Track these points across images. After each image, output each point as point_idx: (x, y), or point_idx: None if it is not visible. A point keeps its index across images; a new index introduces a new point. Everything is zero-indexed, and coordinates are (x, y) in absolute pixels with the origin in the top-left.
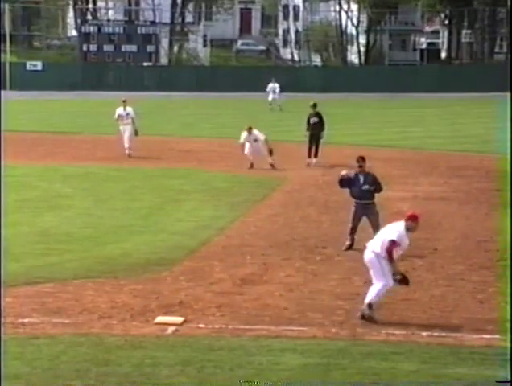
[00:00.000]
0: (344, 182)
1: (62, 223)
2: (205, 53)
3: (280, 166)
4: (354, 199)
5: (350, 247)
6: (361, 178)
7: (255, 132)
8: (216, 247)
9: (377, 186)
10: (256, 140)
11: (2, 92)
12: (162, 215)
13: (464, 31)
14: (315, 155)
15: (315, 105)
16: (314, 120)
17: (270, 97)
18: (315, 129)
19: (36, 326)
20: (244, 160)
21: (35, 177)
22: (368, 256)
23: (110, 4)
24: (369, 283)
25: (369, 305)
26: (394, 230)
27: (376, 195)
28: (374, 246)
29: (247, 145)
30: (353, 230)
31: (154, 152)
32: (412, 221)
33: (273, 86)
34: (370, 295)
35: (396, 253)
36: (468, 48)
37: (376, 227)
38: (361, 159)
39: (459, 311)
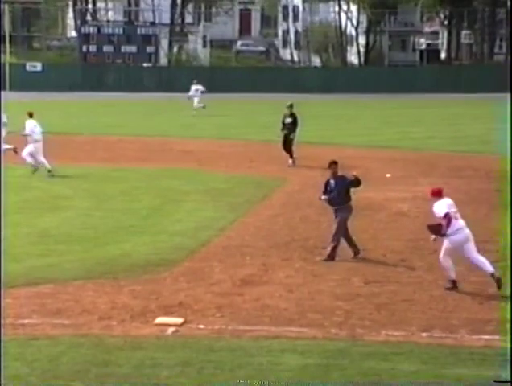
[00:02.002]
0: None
1: (62, 223)
2: (205, 54)
3: (279, 167)
4: (330, 205)
5: (357, 253)
6: (333, 184)
7: (31, 122)
8: (216, 248)
9: (351, 185)
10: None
11: (2, 92)
12: (162, 216)
13: (463, 32)
14: (291, 156)
15: (291, 106)
16: (288, 120)
17: (196, 102)
18: (288, 130)
19: (36, 327)
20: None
21: (35, 178)
22: (467, 232)
23: (110, 5)
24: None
25: (492, 275)
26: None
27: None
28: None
29: (31, 143)
30: (346, 237)
31: (154, 152)
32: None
33: (196, 88)
34: (488, 265)
35: None
36: (467, 49)
37: (336, 229)
38: (333, 164)
39: (458, 312)
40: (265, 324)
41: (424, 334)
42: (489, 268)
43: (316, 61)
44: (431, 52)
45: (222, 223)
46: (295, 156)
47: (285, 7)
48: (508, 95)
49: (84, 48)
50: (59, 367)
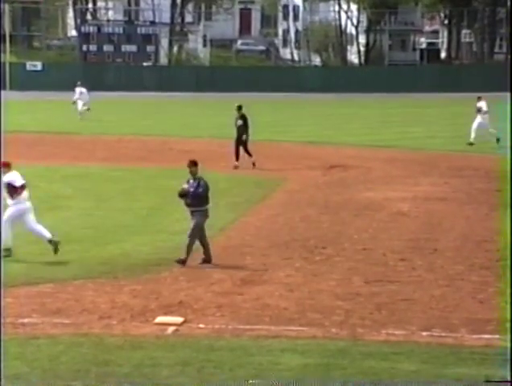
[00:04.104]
0: (184, 193)
1: (62, 223)
2: (205, 53)
3: (280, 166)
4: (187, 207)
5: (207, 261)
6: (192, 184)
7: None
8: (216, 247)
9: (207, 189)
10: None
11: (2, 92)
12: (162, 216)
13: (463, 31)
14: (249, 155)
15: (240, 108)
16: (239, 122)
17: (80, 106)
18: (240, 132)
19: (36, 327)
20: (245, 159)
21: (35, 177)
22: (29, 204)
23: (110, 4)
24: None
25: (50, 240)
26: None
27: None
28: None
29: None
30: (202, 242)
31: (154, 152)
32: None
33: (80, 90)
34: (45, 232)
35: None
36: (467, 48)
37: (200, 238)
38: (192, 164)
39: (459, 311)
40: (265, 323)
41: (424, 334)
42: (47, 234)
43: (316, 60)
44: (432, 52)
45: (222, 222)
46: (245, 159)
47: (285, 6)
48: (508, 94)
49: (85, 47)
50: (59, 367)
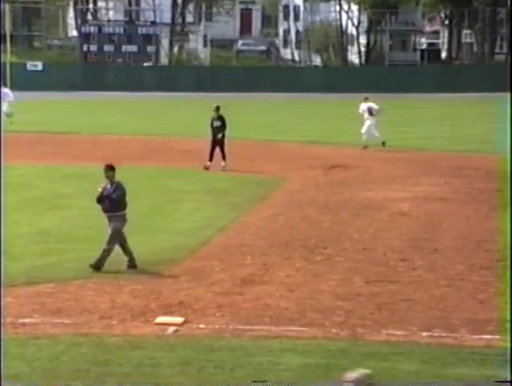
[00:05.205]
0: (100, 198)
1: (62, 223)
2: (206, 53)
3: (280, 166)
4: (104, 212)
5: (132, 266)
6: (109, 189)
7: None
8: (216, 247)
9: (120, 197)
10: None
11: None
12: (162, 215)
13: (464, 31)
14: (223, 158)
15: (218, 108)
16: (216, 123)
17: (4, 107)
18: (217, 133)
19: (36, 327)
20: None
21: (35, 177)
22: None
23: (111, 4)
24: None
25: None
26: None
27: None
28: None
29: None
30: (122, 246)
31: (155, 152)
32: None
33: (6, 92)
34: None
35: None
36: (468, 48)
37: (121, 243)
38: (108, 168)
39: (459, 311)
40: (265, 324)
41: (425, 334)
42: None
43: (317, 60)
44: (432, 52)
45: (222, 222)
46: (225, 161)
47: (286, 7)
48: (508, 94)
49: (85, 48)
50: (59, 367)
